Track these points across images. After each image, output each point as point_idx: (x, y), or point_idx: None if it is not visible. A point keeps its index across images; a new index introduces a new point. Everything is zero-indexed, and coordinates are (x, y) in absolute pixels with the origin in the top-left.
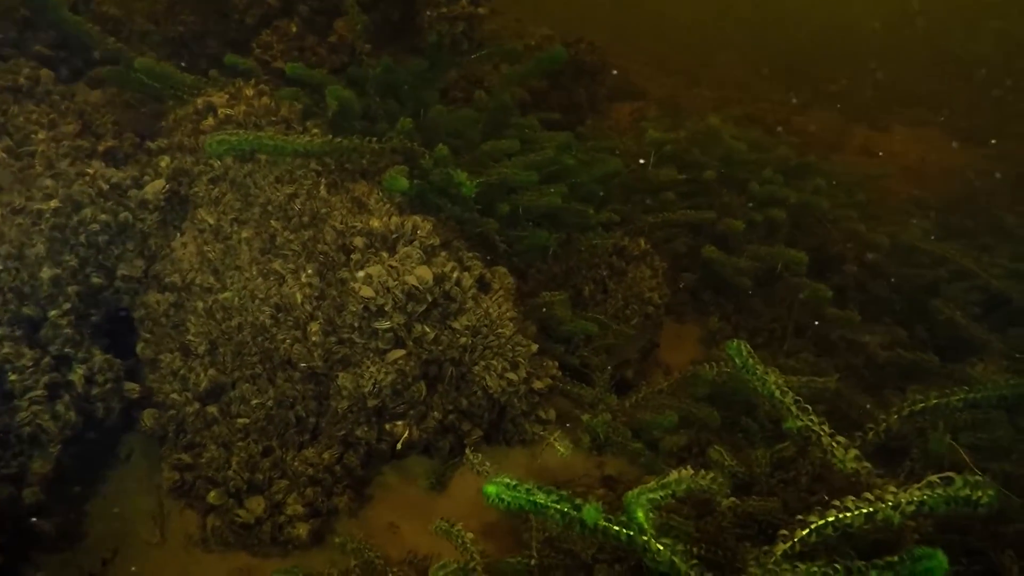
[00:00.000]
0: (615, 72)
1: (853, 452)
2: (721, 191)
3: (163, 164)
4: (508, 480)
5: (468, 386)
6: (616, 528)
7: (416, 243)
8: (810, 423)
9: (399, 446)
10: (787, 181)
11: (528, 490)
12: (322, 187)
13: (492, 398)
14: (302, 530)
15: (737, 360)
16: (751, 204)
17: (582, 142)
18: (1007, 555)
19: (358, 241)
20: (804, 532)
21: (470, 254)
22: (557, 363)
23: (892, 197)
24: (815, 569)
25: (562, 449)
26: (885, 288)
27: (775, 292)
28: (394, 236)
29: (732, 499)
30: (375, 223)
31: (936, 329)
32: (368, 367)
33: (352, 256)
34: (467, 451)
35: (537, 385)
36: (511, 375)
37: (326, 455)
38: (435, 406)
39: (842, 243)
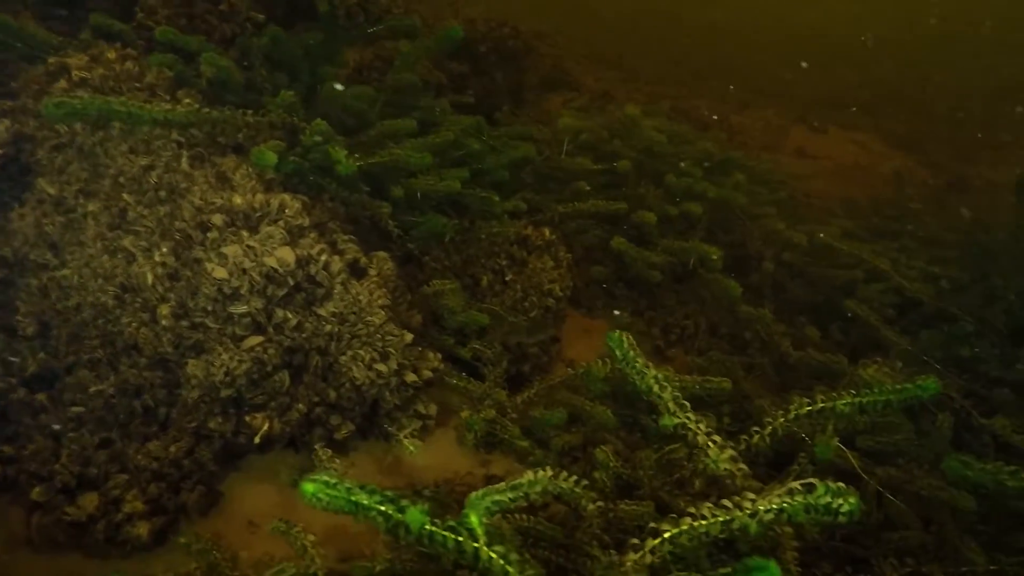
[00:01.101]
0: (551, 63)
1: (728, 453)
2: (638, 182)
3: (1, 128)
4: (327, 478)
5: (336, 377)
6: (444, 534)
7: (281, 223)
8: (687, 420)
9: (257, 439)
10: (708, 176)
11: (348, 490)
12: (183, 160)
13: (361, 390)
14: (143, 529)
15: (617, 352)
16: (671, 197)
17: (495, 128)
18: (888, 563)
19: (217, 219)
20: (656, 541)
21: (345, 237)
22: (441, 355)
23: (819, 197)
24: None
25: (411, 448)
26: (803, 287)
27: (690, 288)
28: (258, 215)
29: (599, 503)
30: (237, 200)
31: (851, 330)
32: (220, 354)
33: (209, 234)
34: (317, 447)
35: (409, 378)
36: (380, 366)
37: (173, 448)
38: (300, 397)
39: (761, 241)
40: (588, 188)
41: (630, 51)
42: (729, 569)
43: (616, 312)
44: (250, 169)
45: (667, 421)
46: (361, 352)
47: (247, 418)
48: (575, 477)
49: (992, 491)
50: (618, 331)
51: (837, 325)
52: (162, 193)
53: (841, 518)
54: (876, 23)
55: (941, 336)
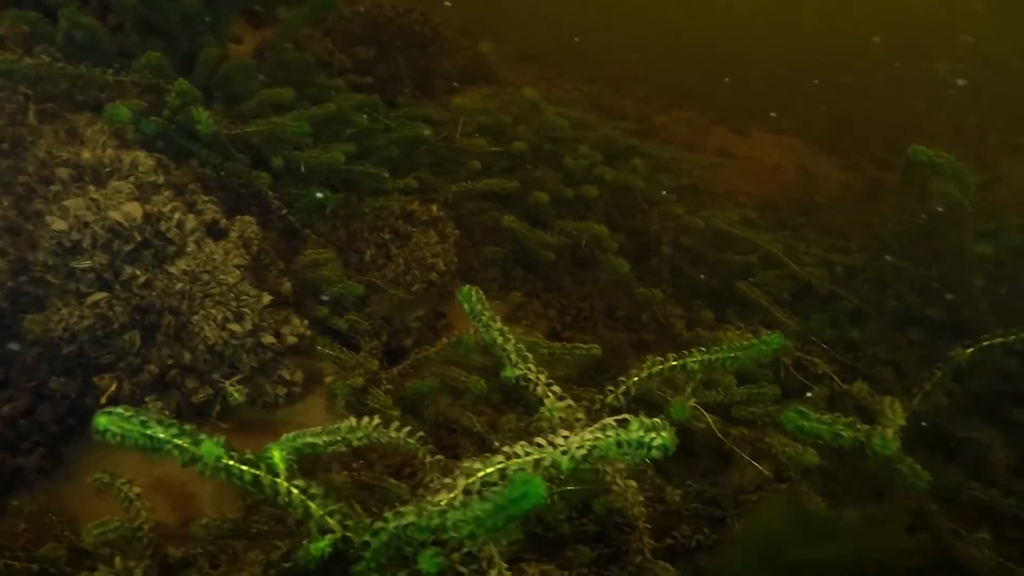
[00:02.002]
0: (471, 56)
1: (565, 403)
2: (536, 165)
3: None
4: (123, 411)
5: (190, 338)
6: (241, 467)
7: (132, 179)
8: (528, 371)
9: (103, 400)
10: (609, 162)
11: (143, 423)
12: (31, 114)
13: (215, 351)
14: None
15: (466, 305)
16: (569, 180)
17: (394, 109)
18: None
19: (62, 172)
20: (469, 480)
21: (207, 199)
22: (308, 323)
23: (734, 193)
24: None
25: (236, 396)
26: (701, 272)
27: (587, 270)
28: (107, 170)
29: (439, 457)
30: (86, 155)
31: (745, 313)
32: (60, 309)
33: (51, 188)
34: (146, 400)
35: (267, 340)
36: (234, 326)
37: (7, 408)
38: (152, 359)
39: (660, 225)
40: (481, 168)
41: (560, 50)
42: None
43: (515, 293)
44: (104, 126)
45: (508, 372)
46: (213, 311)
47: (95, 379)
48: (408, 428)
49: (829, 444)
50: (468, 286)
51: (734, 309)
52: (5, 146)
53: (655, 452)
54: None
55: (829, 317)
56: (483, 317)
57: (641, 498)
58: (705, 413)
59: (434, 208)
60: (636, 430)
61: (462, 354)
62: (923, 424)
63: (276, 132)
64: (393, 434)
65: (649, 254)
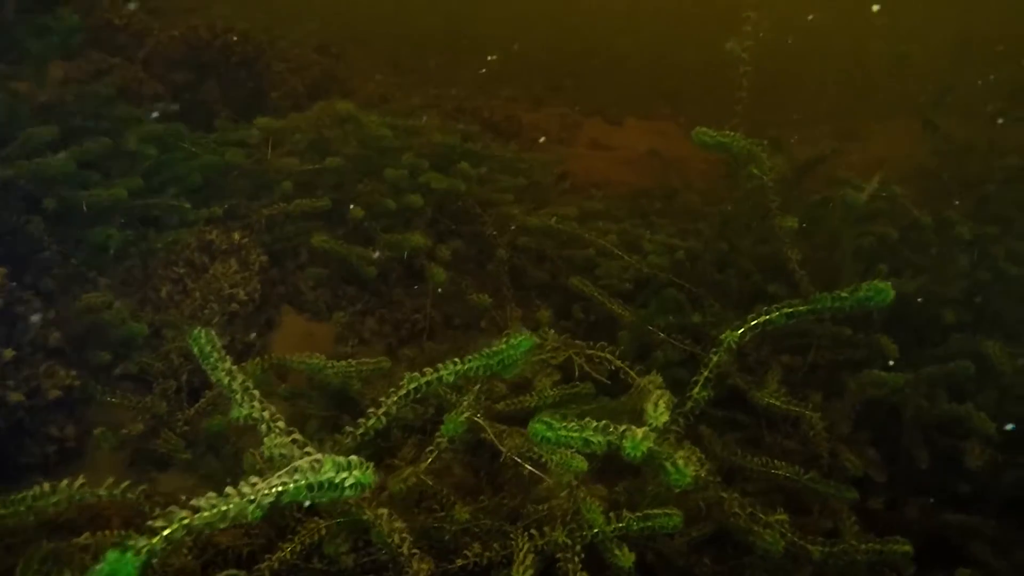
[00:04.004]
0: (320, 71)
1: (287, 439)
2: (358, 179)
3: None
4: None
5: None
6: None
7: None
8: (253, 409)
9: None
10: (439, 168)
11: None
12: None
13: None
14: None
15: (195, 348)
16: (393, 191)
17: (206, 135)
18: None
19: None
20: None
21: None
22: (75, 372)
23: (598, 180)
24: None
25: None
26: (543, 271)
27: (421, 282)
28: None
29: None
30: None
31: (590, 308)
32: None
33: None
34: None
35: (14, 397)
36: None
37: None
38: None
39: (496, 228)
40: (293, 188)
41: (422, 55)
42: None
43: (340, 313)
44: None
45: (236, 412)
46: None
47: None
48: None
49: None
50: (200, 329)
51: (579, 304)
52: None
53: (348, 492)
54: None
55: (670, 304)
56: (211, 359)
57: (399, 524)
58: (485, 424)
59: (236, 235)
60: (328, 471)
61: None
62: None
63: (40, 172)
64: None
65: (489, 258)
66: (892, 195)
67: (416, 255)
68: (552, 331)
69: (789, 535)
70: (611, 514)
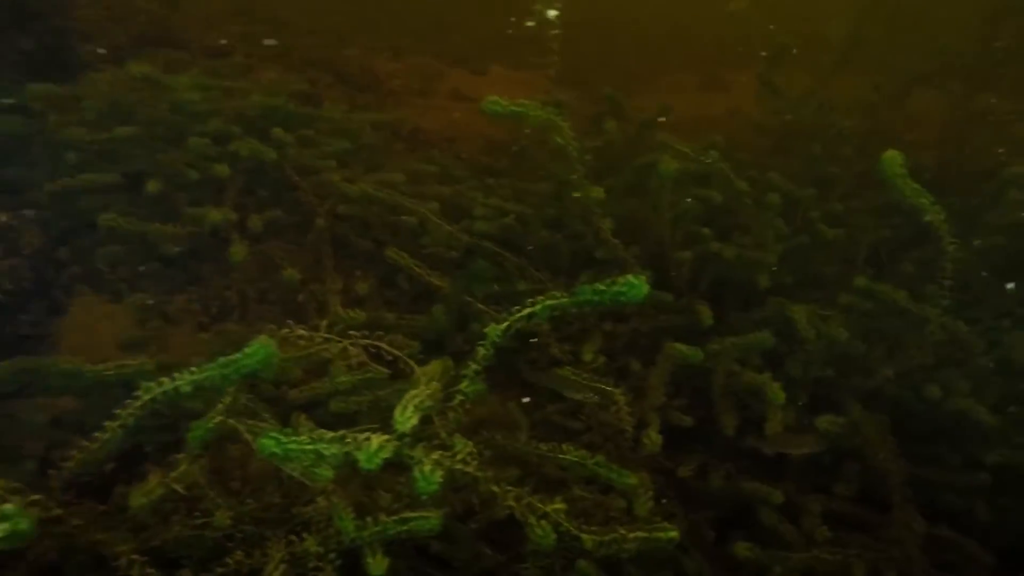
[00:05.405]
0: (146, 19)
1: None
2: (156, 148)
3: None
4: None
5: None
6: None
7: None
8: None
9: None
10: (262, 132)
11: None
12: None
13: None
14: None
15: None
16: (200, 161)
17: None
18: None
19: None
20: None
21: None
22: None
23: (455, 135)
24: None
25: None
26: (369, 240)
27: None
28: None
29: None
30: None
31: (416, 278)
32: None
33: None
34: None
35: None
36: None
37: None
38: None
39: (315, 196)
40: (79, 161)
41: (279, 4)
42: None
43: (141, 293)
44: None
45: None
46: None
47: None
48: None
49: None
50: None
51: (403, 274)
52: None
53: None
54: None
55: (494, 273)
56: None
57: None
58: (243, 428)
59: (3, 216)
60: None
61: None
62: None
63: None
64: None
65: (309, 229)
66: (711, 159)
67: (223, 229)
68: (352, 311)
69: (565, 525)
70: (368, 519)
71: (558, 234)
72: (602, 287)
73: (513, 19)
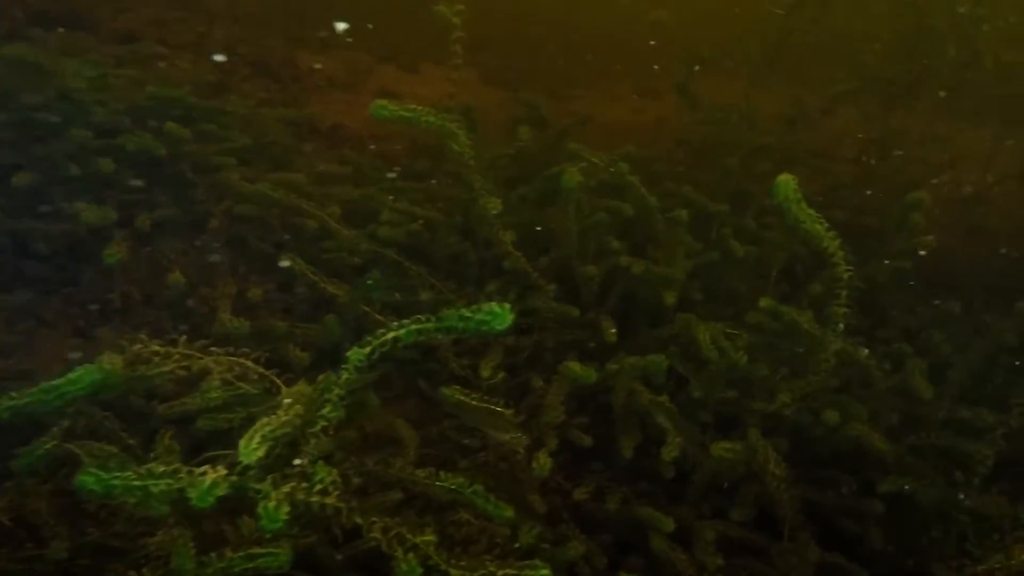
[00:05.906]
0: None
1: None
2: (34, 139)
3: None
4: None
5: None
6: None
7: None
8: None
9: None
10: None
11: None
12: None
13: None
14: None
15: None
16: (84, 154)
17: None
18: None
19: None
20: None
21: None
22: None
23: (378, 133)
24: None
25: None
26: (269, 243)
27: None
28: None
29: None
30: None
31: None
32: None
33: None
34: None
35: None
36: None
37: None
38: None
39: (211, 195)
40: None
41: None
42: None
43: (9, 295)
44: None
45: None
46: None
47: None
48: None
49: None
50: None
51: (301, 281)
52: None
53: None
54: None
55: (397, 282)
56: None
57: None
58: (83, 453)
59: None
60: None
61: None
62: None
63: None
64: None
65: (203, 230)
66: (619, 171)
67: (106, 228)
68: (238, 320)
69: (434, 559)
70: (212, 555)
71: (467, 242)
72: (468, 313)
73: (447, 15)
